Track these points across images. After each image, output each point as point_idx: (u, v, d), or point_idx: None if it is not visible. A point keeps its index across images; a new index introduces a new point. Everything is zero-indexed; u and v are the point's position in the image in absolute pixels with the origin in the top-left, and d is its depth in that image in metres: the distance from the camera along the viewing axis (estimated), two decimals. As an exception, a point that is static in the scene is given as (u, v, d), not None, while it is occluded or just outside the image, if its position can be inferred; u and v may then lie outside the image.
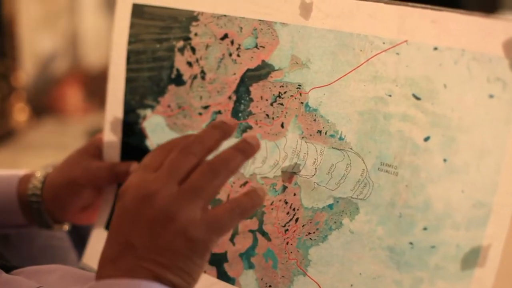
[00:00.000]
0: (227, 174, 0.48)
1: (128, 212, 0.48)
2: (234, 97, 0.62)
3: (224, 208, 0.48)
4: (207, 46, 0.64)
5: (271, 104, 0.59)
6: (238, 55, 0.61)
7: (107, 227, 0.72)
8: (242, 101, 0.61)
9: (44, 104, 2.86)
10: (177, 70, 0.66)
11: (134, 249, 0.46)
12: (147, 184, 0.48)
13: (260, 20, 0.60)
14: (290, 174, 0.58)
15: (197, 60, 0.64)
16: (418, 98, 0.50)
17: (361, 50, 0.53)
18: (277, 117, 0.59)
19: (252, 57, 0.60)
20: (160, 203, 0.47)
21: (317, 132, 0.56)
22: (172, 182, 0.47)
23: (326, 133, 0.56)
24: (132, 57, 0.69)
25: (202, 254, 0.47)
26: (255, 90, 0.60)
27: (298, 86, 0.58)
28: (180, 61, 0.66)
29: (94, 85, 2.82)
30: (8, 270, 0.59)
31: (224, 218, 0.47)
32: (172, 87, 0.66)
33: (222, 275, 0.61)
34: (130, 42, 0.69)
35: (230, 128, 0.51)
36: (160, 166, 0.49)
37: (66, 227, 0.74)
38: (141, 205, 0.47)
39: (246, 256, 0.60)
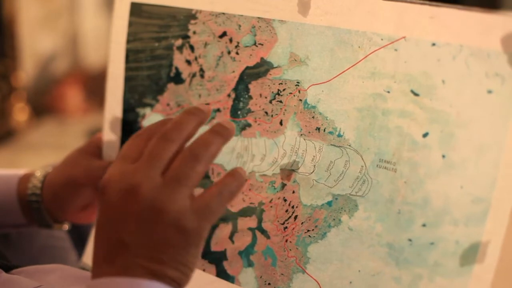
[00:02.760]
0: (209, 158, 0.47)
1: (113, 208, 0.46)
2: (233, 95, 0.62)
3: (211, 193, 0.46)
4: (205, 44, 0.63)
5: (270, 102, 0.59)
6: (237, 53, 0.61)
7: (107, 226, 0.72)
8: (241, 99, 0.61)
9: (44, 104, 2.86)
10: (176, 68, 0.66)
11: (127, 247, 0.45)
12: (128, 176, 0.46)
13: (258, 18, 0.60)
14: (289, 171, 0.58)
15: (196, 58, 0.64)
16: (416, 94, 0.50)
17: (359, 47, 0.53)
18: (276, 114, 0.59)
19: (251, 55, 0.60)
20: (145, 196, 0.45)
21: (316, 129, 0.56)
22: (154, 172, 0.46)
23: (324, 130, 0.56)
24: (131, 56, 0.69)
25: (197, 243, 0.46)
26: (254, 87, 0.60)
27: (296, 83, 0.57)
28: (179, 59, 0.65)
29: (94, 85, 2.82)
30: (8, 269, 0.59)
31: (213, 203, 0.46)
32: (171, 86, 0.66)
33: (222, 273, 0.61)
34: (128, 41, 0.69)
35: (205, 113, 0.49)
36: (140, 156, 0.47)
37: (66, 226, 0.74)
38: (126, 200, 0.45)
39: (245, 254, 0.60)
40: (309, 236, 0.56)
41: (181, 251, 0.45)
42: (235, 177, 0.48)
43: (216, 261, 0.61)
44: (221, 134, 0.48)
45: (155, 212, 0.45)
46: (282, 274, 0.58)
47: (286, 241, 0.57)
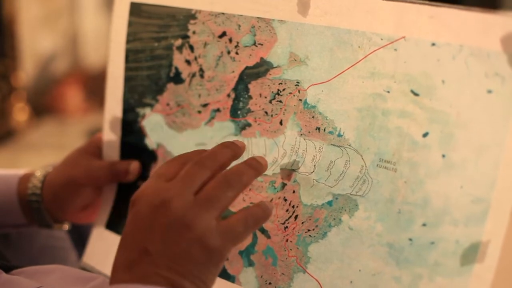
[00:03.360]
0: (240, 187, 0.50)
1: (142, 219, 0.48)
2: (233, 95, 0.62)
3: (237, 218, 0.49)
4: (205, 44, 0.63)
5: (270, 102, 0.59)
6: (237, 53, 0.61)
7: (107, 226, 0.72)
8: (241, 99, 0.61)
9: (44, 104, 2.86)
10: (176, 68, 0.66)
11: (150, 255, 0.46)
12: (162, 191, 0.48)
13: (258, 18, 0.60)
14: (289, 171, 0.58)
15: (195, 58, 0.64)
16: (416, 94, 0.50)
17: (359, 47, 0.53)
18: (276, 114, 0.59)
19: (250, 55, 0.60)
20: (176, 210, 0.47)
21: (316, 129, 0.56)
22: (187, 191, 0.48)
23: (324, 130, 0.56)
24: (131, 55, 0.69)
25: (217, 263, 0.47)
26: (254, 87, 0.60)
27: (296, 83, 0.57)
28: (178, 59, 0.65)
29: (94, 85, 2.82)
30: (8, 270, 0.59)
31: (238, 227, 0.48)
32: (171, 86, 0.66)
33: (222, 273, 0.61)
34: (128, 41, 0.69)
35: (240, 149, 0.53)
36: (174, 177, 0.50)
37: (66, 226, 0.74)
38: (156, 212, 0.47)
39: (246, 253, 0.60)
40: (310, 235, 0.56)
41: (201, 268, 0.47)
42: (262, 208, 0.50)
43: (216, 261, 0.61)
44: (254, 168, 0.51)
45: (182, 226, 0.47)
46: (282, 273, 0.58)
47: (287, 240, 0.57)
